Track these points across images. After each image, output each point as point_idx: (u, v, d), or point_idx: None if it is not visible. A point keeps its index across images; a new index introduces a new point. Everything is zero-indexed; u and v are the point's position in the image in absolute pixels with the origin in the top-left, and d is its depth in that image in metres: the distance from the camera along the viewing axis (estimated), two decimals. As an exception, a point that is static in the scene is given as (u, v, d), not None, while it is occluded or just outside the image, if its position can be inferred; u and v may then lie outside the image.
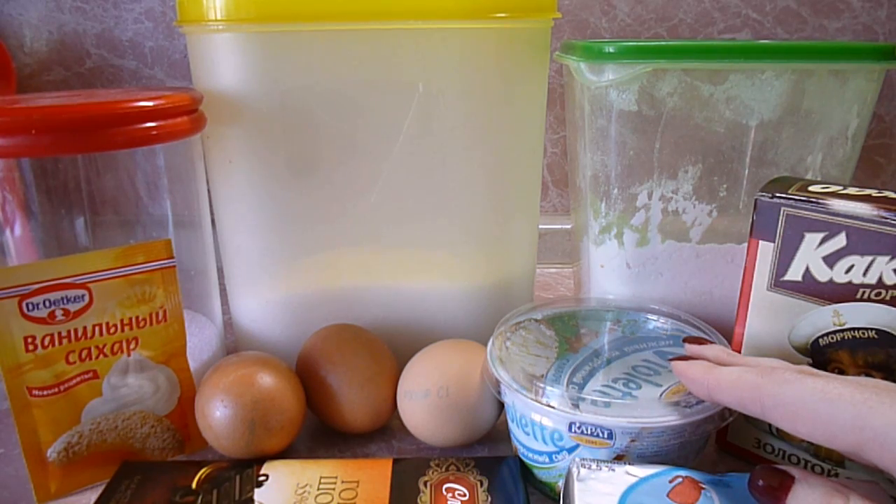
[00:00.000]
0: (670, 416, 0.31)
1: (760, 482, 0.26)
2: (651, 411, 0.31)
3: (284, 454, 0.37)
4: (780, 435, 0.36)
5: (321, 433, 0.41)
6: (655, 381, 0.34)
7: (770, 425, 0.36)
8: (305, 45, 0.39)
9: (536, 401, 0.32)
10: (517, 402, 0.33)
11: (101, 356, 0.36)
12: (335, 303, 0.44)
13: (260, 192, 0.42)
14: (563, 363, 0.35)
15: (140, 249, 0.36)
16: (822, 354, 0.33)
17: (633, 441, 0.31)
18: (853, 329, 0.32)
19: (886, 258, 0.30)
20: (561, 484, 0.33)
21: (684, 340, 0.34)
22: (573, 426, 0.31)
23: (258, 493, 0.33)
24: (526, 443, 0.34)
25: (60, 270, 0.34)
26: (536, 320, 0.40)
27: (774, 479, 0.26)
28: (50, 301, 0.34)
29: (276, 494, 0.33)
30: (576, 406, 0.32)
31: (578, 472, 0.30)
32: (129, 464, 0.36)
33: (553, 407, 0.32)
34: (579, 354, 0.36)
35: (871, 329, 0.31)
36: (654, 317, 0.40)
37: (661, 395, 0.33)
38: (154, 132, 0.36)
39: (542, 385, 0.33)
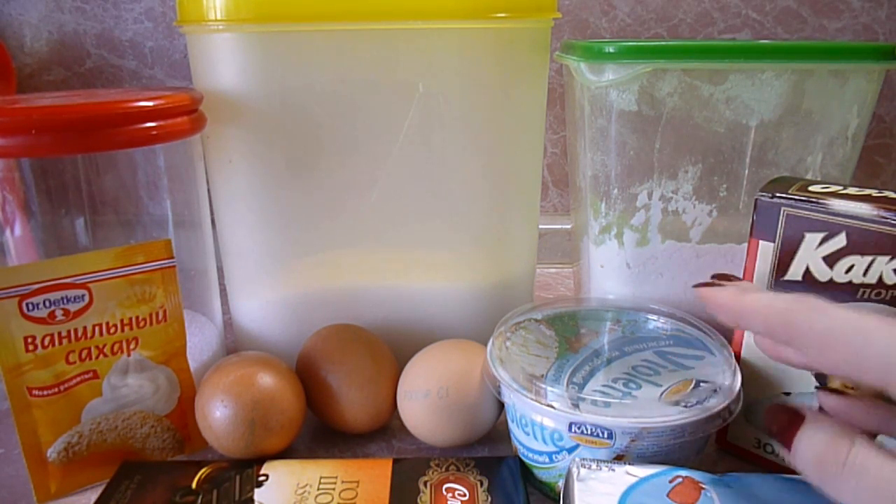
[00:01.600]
0: (670, 415, 0.31)
1: (772, 421, 0.27)
2: (651, 411, 0.31)
3: (284, 454, 0.37)
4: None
5: (321, 433, 0.41)
6: (656, 381, 0.34)
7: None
8: (305, 45, 0.39)
9: (537, 401, 0.32)
10: (517, 402, 0.33)
11: (101, 356, 0.36)
12: (335, 303, 0.44)
13: (260, 192, 0.42)
14: (563, 363, 0.35)
15: (140, 249, 0.36)
16: (822, 354, 0.33)
17: (633, 441, 0.31)
18: (853, 329, 0.32)
19: (886, 258, 0.30)
20: (561, 484, 0.33)
21: (713, 276, 0.32)
22: (573, 426, 0.31)
23: (258, 493, 0.33)
24: (526, 443, 0.34)
25: (60, 270, 0.34)
26: (536, 320, 0.40)
27: (785, 418, 0.26)
28: (50, 301, 0.34)
29: (276, 494, 0.33)
30: (576, 406, 0.32)
31: (578, 472, 0.30)
32: (129, 464, 0.36)
33: (553, 407, 0.32)
34: (579, 354, 0.36)
35: (871, 329, 0.31)
36: (654, 317, 0.40)
37: (661, 395, 0.33)
38: (154, 132, 0.36)
39: (542, 385, 0.33)
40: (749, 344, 0.36)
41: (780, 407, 0.27)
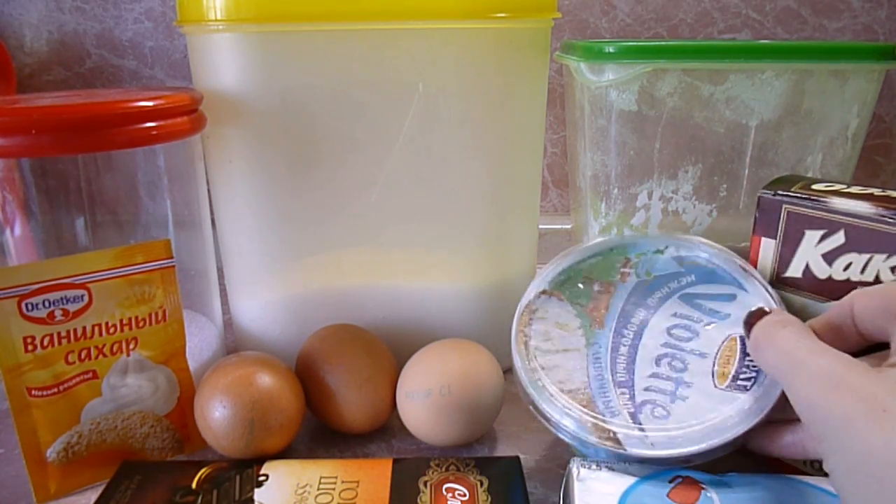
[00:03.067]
0: (736, 427, 0.30)
1: (748, 317, 0.30)
2: (713, 415, 0.30)
3: (284, 454, 0.37)
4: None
5: (321, 433, 0.41)
6: (699, 350, 0.32)
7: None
8: (305, 45, 0.39)
9: (602, 445, 0.31)
10: (576, 439, 0.32)
11: (101, 356, 0.36)
12: (335, 303, 0.44)
13: (260, 192, 0.42)
14: (598, 353, 0.33)
15: (139, 249, 0.36)
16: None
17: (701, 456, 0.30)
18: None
19: (883, 256, 0.30)
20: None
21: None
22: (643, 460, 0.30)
23: (258, 493, 0.33)
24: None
25: (60, 270, 0.34)
26: (545, 292, 0.36)
27: (756, 314, 0.30)
28: (49, 301, 0.34)
29: (276, 494, 0.33)
30: (644, 439, 0.30)
31: (578, 473, 0.30)
32: (128, 464, 0.36)
33: (620, 444, 0.30)
34: (606, 329, 0.33)
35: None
36: (661, 245, 0.36)
37: (714, 376, 0.31)
38: (154, 132, 0.36)
39: (603, 423, 0.31)
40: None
41: (757, 309, 0.30)
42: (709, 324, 0.33)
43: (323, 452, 0.39)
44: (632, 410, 0.31)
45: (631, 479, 0.30)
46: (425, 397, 0.37)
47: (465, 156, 0.42)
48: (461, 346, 0.39)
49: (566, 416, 0.32)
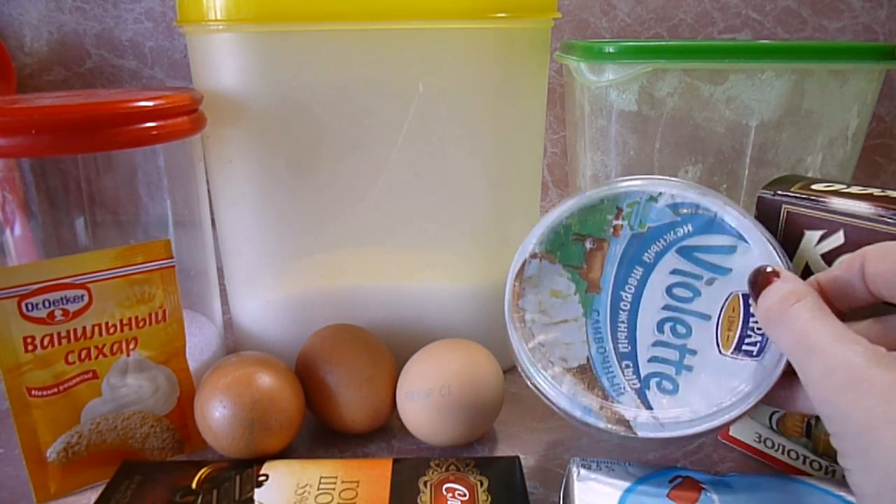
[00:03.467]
0: (748, 398, 0.29)
1: (755, 276, 0.28)
2: (726, 402, 0.29)
3: (284, 454, 0.37)
4: (781, 430, 0.36)
5: (321, 433, 0.41)
6: (701, 311, 0.31)
7: (770, 420, 0.36)
8: (305, 45, 0.39)
9: (612, 430, 0.30)
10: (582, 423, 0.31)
11: (101, 356, 0.36)
12: (335, 303, 0.44)
13: (260, 192, 0.42)
14: (597, 325, 0.31)
15: (139, 249, 0.36)
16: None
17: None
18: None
19: (884, 257, 0.30)
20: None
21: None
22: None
23: (258, 493, 0.33)
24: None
25: (60, 270, 0.34)
26: (535, 255, 0.34)
27: (764, 274, 0.28)
28: (49, 301, 0.34)
29: (276, 494, 0.33)
30: (655, 422, 0.29)
31: (578, 472, 0.30)
32: (128, 464, 0.36)
33: (631, 428, 0.30)
34: (603, 293, 0.32)
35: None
36: (655, 192, 0.33)
37: (718, 342, 0.30)
38: (154, 132, 0.36)
39: (610, 402, 0.30)
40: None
41: (764, 267, 0.28)
42: (709, 281, 0.31)
43: (323, 452, 0.39)
44: (637, 386, 0.30)
45: (631, 479, 0.30)
46: (425, 397, 0.37)
47: (465, 156, 0.42)
48: (461, 346, 0.39)
49: (572, 402, 0.31)
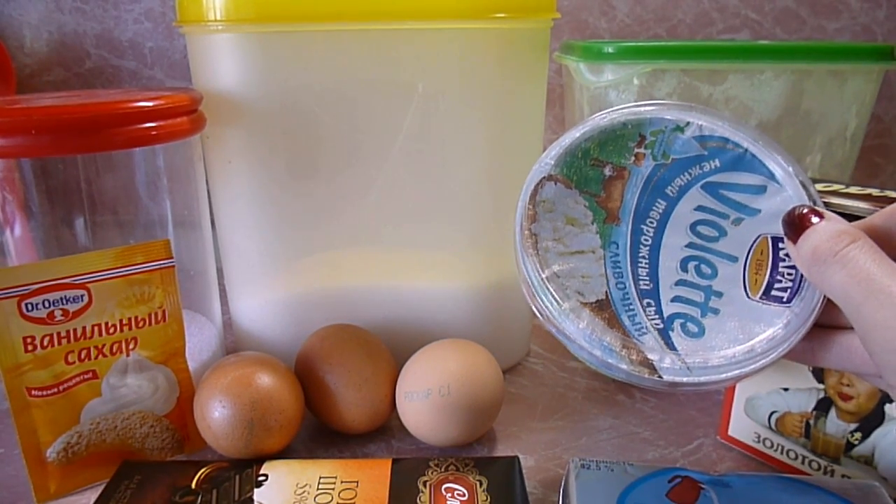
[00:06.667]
0: (779, 346, 0.27)
1: (791, 216, 0.26)
2: (756, 349, 0.27)
3: (284, 454, 0.37)
4: (780, 430, 0.36)
5: (320, 433, 0.41)
6: (727, 252, 0.28)
7: (769, 420, 0.36)
8: (305, 45, 0.39)
9: (635, 372, 0.27)
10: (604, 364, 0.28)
11: (101, 356, 0.36)
12: (335, 303, 0.44)
13: (259, 192, 0.42)
14: (616, 258, 0.29)
15: (139, 249, 0.36)
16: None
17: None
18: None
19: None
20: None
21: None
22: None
23: (258, 493, 0.33)
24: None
25: (60, 270, 0.34)
26: (550, 178, 0.31)
27: (805, 214, 0.26)
28: (49, 301, 0.34)
29: (276, 494, 0.33)
30: (681, 364, 0.27)
31: (578, 473, 0.30)
32: (128, 464, 0.36)
33: (655, 370, 0.27)
34: (623, 224, 0.29)
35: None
36: (683, 122, 0.30)
37: (745, 285, 0.28)
38: (154, 132, 0.36)
39: (632, 342, 0.28)
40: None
41: (803, 206, 0.26)
42: (736, 221, 0.29)
43: (322, 452, 0.39)
44: (660, 327, 0.28)
45: (630, 479, 0.30)
46: (425, 397, 0.37)
47: (465, 156, 0.42)
48: (461, 346, 0.39)
49: (591, 338, 0.28)
